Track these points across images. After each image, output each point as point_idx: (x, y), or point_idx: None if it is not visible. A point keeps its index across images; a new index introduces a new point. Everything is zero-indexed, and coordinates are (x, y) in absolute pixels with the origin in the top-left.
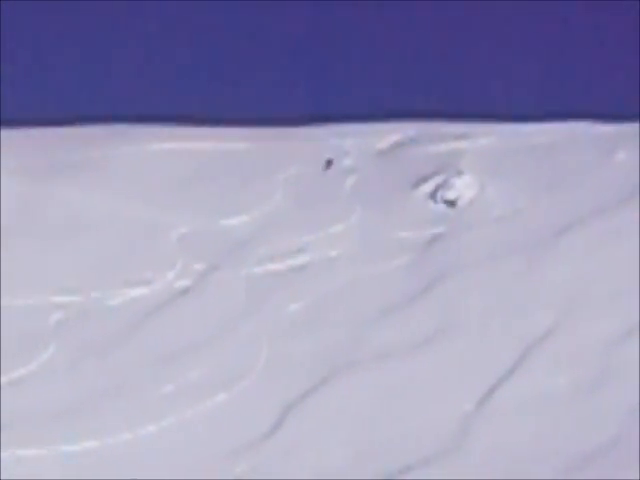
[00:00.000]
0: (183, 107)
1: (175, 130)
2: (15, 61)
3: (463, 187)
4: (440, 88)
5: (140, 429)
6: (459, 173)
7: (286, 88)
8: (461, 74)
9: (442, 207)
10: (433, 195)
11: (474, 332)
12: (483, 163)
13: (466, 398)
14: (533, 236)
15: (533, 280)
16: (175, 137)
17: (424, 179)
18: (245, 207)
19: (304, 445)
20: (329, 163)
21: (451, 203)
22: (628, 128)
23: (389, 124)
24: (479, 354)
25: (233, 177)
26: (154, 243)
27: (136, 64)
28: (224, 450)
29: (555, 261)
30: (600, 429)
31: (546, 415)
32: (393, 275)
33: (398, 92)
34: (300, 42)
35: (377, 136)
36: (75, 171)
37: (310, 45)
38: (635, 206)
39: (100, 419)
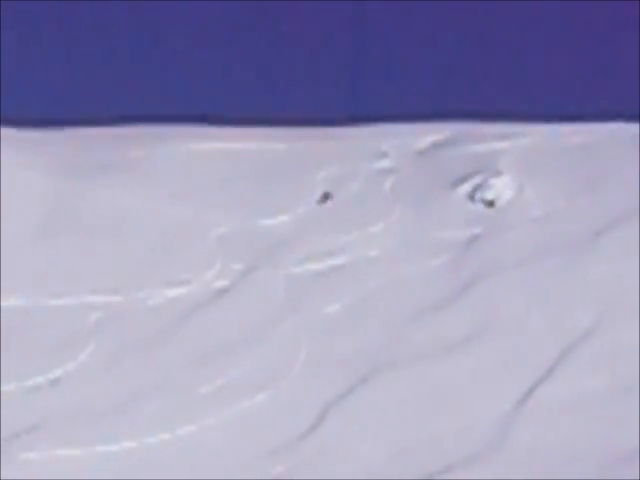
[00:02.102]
0: (222, 107)
1: (214, 130)
2: (54, 60)
3: (502, 187)
4: (479, 88)
5: (179, 429)
6: (498, 173)
7: (324, 88)
8: (499, 74)
9: (481, 207)
10: (472, 195)
11: (513, 332)
12: (522, 163)
13: (505, 398)
14: (572, 236)
15: (572, 280)
16: (214, 137)
17: (463, 179)
18: (284, 207)
19: (343, 445)
20: (326, 196)
21: (490, 203)
22: None
23: (428, 124)
24: (518, 354)
25: (271, 177)
26: (193, 243)
27: (175, 64)
28: (263, 450)
29: (594, 261)
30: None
31: (585, 415)
32: (432, 275)
33: (437, 92)
34: (338, 41)
35: (416, 136)
36: (114, 171)
37: (348, 44)
38: None
39: (138, 419)
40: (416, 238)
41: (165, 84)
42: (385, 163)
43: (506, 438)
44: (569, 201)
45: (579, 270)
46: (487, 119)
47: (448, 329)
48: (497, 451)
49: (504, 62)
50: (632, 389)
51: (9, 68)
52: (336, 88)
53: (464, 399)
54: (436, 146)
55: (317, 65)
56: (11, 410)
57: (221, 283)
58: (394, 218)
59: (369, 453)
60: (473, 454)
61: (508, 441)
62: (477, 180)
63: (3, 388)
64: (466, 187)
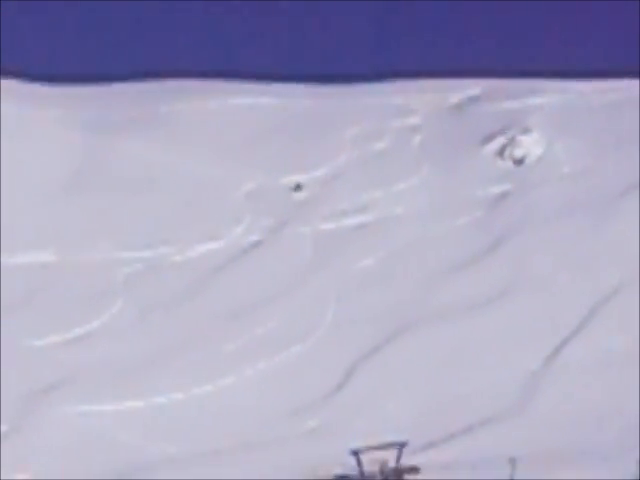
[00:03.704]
0: (250, 63)
1: (242, 86)
2: (84, 18)
3: (531, 145)
4: (508, 45)
5: (206, 386)
6: (527, 130)
7: (352, 45)
8: (529, 31)
9: (510, 164)
10: (501, 152)
11: (541, 290)
12: (551, 121)
13: (532, 357)
14: (600, 194)
15: (599, 238)
16: (242, 93)
17: (491, 136)
18: (312, 164)
19: (371, 401)
20: (298, 187)
21: (519, 161)
22: None
23: (456, 81)
24: (546, 312)
25: (300, 134)
26: (222, 199)
27: (203, 20)
28: (293, 406)
29: (621, 219)
30: None
31: (611, 374)
32: (460, 232)
33: (466, 48)
34: None
35: (444, 93)
36: (144, 126)
37: (375, 1)
38: None
39: (167, 375)
40: (444, 195)
41: (195, 39)
42: (413, 120)
43: (532, 397)
44: (598, 159)
45: (607, 228)
46: (516, 76)
47: (476, 287)
48: (524, 410)
49: (535, 19)
50: None
51: (40, 26)
52: (364, 44)
53: (491, 357)
54: (465, 103)
55: (345, 21)
56: (41, 365)
57: (250, 239)
58: (422, 175)
59: (396, 410)
60: (499, 413)
61: (535, 399)
62: (506, 137)
63: (33, 343)
64: (495, 144)
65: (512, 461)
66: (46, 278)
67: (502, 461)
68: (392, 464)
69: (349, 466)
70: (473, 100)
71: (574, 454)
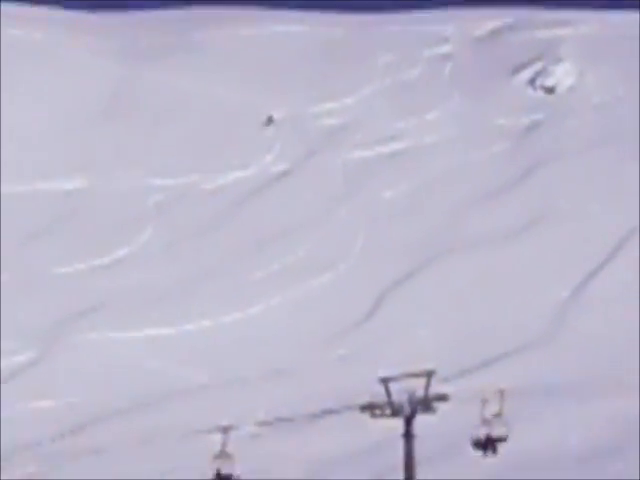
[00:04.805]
0: None
1: (274, 13)
2: None
3: (562, 74)
4: None
5: (234, 313)
6: (558, 60)
7: None
8: None
9: (541, 94)
10: (532, 82)
11: (571, 220)
12: (583, 50)
13: (562, 286)
14: (631, 124)
15: (629, 170)
16: (271, 21)
17: (523, 66)
18: (342, 92)
19: (400, 329)
20: (269, 120)
21: (550, 90)
22: None
23: (488, 10)
24: (576, 242)
25: (330, 62)
26: (251, 127)
27: None
28: (324, 333)
29: None
30: None
31: (637, 305)
32: (490, 162)
33: None
34: None
35: (476, 22)
36: (176, 54)
37: None
38: None
39: (195, 303)
40: (475, 124)
41: None
42: (444, 49)
43: (562, 326)
44: (629, 89)
45: (636, 160)
46: (548, 5)
47: (506, 216)
48: (553, 339)
49: None
50: None
51: None
52: None
53: (521, 287)
54: (496, 32)
55: None
56: (70, 292)
57: (279, 167)
58: (453, 104)
59: (426, 339)
60: (529, 341)
61: (564, 329)
62: (537, 66)
63: (63, 270)
64: (526, 73)
65: (501, 392)
66: (77, 205)
67: (533, 389)
68: (421, 393)
69: (377, 394)
70: (505, 29)
71: (603, 382)
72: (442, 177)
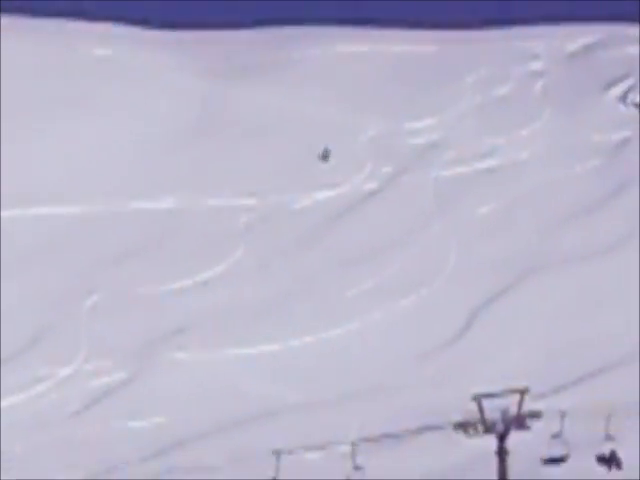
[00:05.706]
0: (368, 10)
1: (363, 32)
2: None
3: None
4: None
5: (325, 332)
6: None
7: None
8: None
9: (632, 110)
10: (623, 98)
11: None
12: None
13: None
14: None
15: None
16: (364, 39)
17: (614, 82)
18: (434, 110)
19: (493, 348)
20: (326, 152)
21: None
22: None
23: (579, 26)
24: None
25: (422, 80)
26: (342, 146)
27: None
28: (412, 353)
29: None
30: None
31: None
32: (583, 178)
33: None
34: None
35: (567, 39)
36: (262, 73)
37: None
38: None
39: (285, 322)
40: (566, 141)
41: None
42: (536, 65)
43: None
44: None
45: None
46: (639, 21)
47: (599, 233)
48: None
49: None
50: None
51: None
52: None
53: (616, 303)
54: (588, 48)
55: None
56: (162, 311)
57: (370, 186)
58: (544, 121)
59: (519, 357)
60: (622, 358)
61: None
62: (629, 82)
63: (155, 290)
64: (618, 89)
65: (562, 414)
66: (167, 225)
67: (626, 407)
68: (514, 410)
69: (470, 412)
70: (596, 45)
71: None
72: (534, 194)
